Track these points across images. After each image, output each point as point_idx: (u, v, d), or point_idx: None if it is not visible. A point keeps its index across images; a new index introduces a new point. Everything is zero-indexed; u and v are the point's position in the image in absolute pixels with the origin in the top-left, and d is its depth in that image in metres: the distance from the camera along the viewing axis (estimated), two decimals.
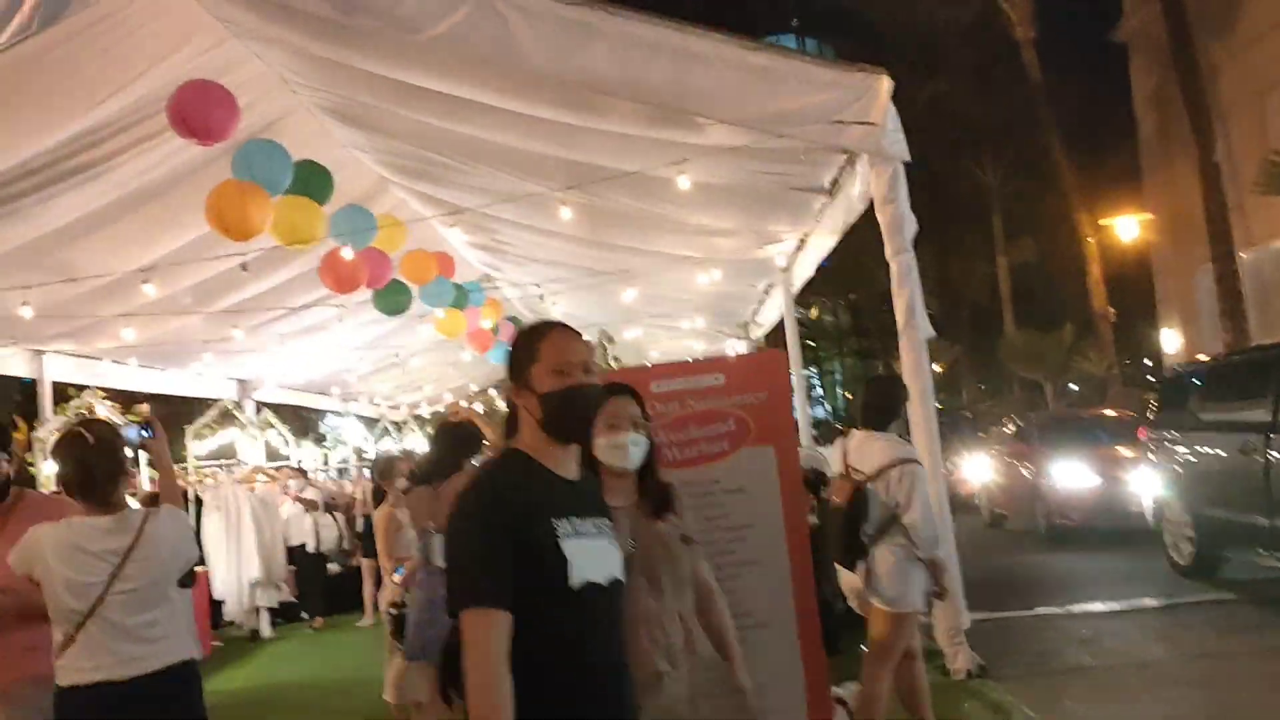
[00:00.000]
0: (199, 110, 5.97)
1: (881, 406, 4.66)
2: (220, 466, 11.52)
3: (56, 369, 10.69)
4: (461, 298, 11.78)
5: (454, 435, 5.07)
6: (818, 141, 6.09)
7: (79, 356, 10.93)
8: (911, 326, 5.89)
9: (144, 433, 3.59)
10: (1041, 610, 7.80)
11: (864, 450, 4.50)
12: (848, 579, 4.70)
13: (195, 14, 6.16)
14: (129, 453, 3.50)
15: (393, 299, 10.62)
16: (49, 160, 6.73)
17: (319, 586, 10.78)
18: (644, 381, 3.31)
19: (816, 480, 7.50)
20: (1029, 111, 25.15)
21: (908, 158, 6.02)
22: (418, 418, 23.98)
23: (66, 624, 3.06)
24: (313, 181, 7.43)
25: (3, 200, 6.92)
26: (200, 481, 10.60)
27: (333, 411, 18.30)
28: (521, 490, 2.05)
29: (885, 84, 5.79)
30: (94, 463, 3.14)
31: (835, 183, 7.66)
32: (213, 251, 8.16)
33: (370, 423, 18.57)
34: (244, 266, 7.42)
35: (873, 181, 6.10)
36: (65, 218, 7.46)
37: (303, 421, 19.56)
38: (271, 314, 11.06)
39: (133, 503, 3.63)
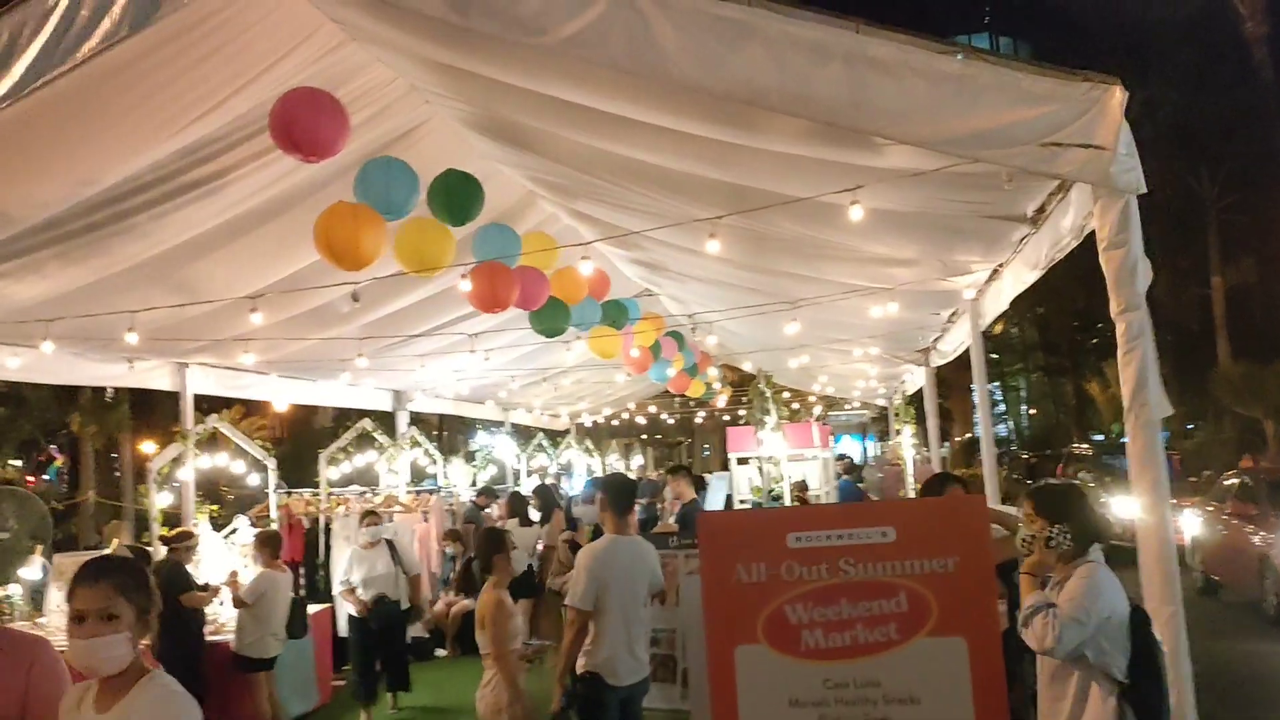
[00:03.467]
0: (304, 122, 5.31)
1: (1081, 531, 3.55)
2: (357, 492, 11.09)
3: (199, 382, 10.46)
4: (617, 317, 11.03)
5: None
6: (1026, 167, 4.90)
7: (222, 368, 10.68)
8: (1142, 403, 4.63)
9: None
10: None
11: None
12: None
13: (308, 14, 5.52)
14: None
15: (550, 320, 9.94)
16: (159, 176, 6.26)
17: (455, 619, 10.19)
18: (778, 532, 2.35)
19: (1006, 566, 6.29)
20: (1255, 115, 22.59)
21: (1143, 189, 4.77)
22: (580, 428, 23.45)
23: None
24: (458, 192, 6.73)
25: (118, 216, 6.50)
26: (332, 508, 10.16)
27: (488, 421, 17.94)
28: None
29: (1117, 97, 4.57)
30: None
31: (1041, 210, 6.43)
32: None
33: (526, 435, 18.05)
34: (355, 297, 6.76)
35: (1097, 218, 4.87)
36: (182, 235, 7.02)
37: (453, 438, 19.36)
38: (401, 336, 10.56)
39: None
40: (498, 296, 7.14)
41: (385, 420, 15.26)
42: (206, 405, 27.05)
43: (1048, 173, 4.98)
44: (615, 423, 25.28)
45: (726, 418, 24.03)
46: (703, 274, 10.69)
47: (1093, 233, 5.26)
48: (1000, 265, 8.19)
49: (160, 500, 8.55)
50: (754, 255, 8.86)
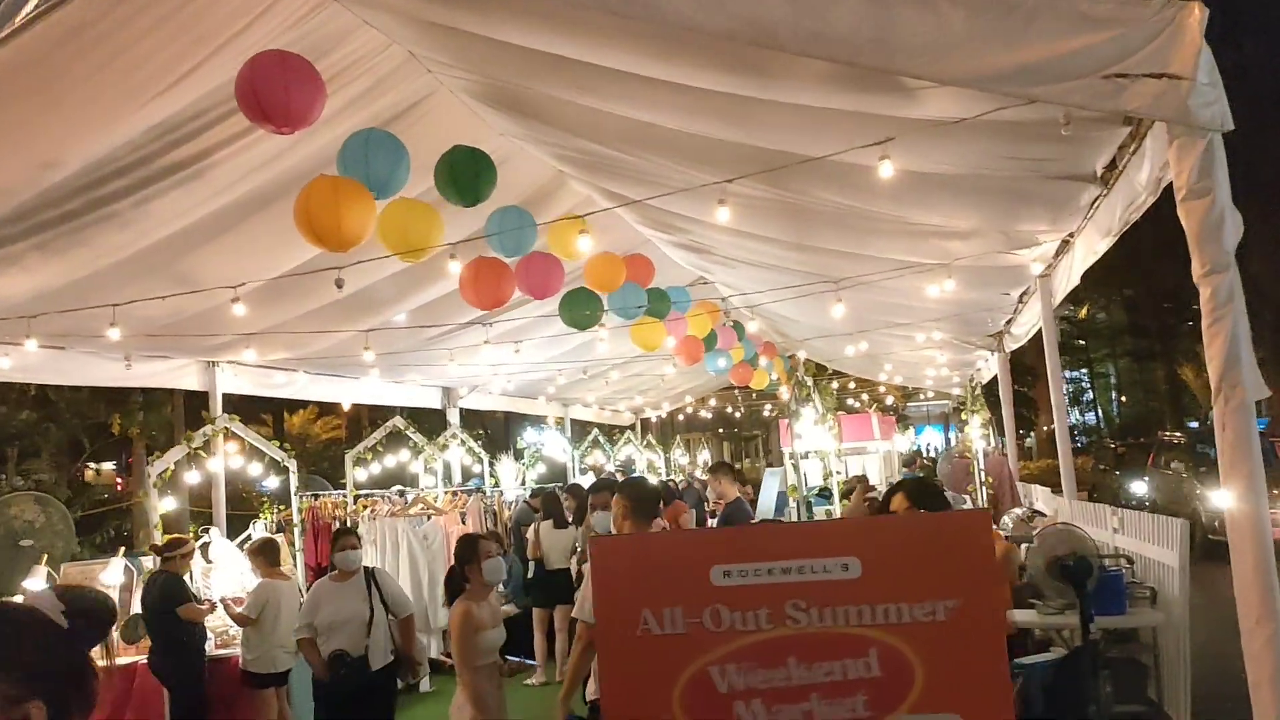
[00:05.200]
0: (273, 89, 4.78)
1: None
2: (397, 492, 10.61)
3: (229, 381, 10.10)
4: (660, 305, 10.41)
5: None
6: (1086, 105, 4.15)
7: (252, 367, 10.30)
8: (1233, 383, 3.85)
9: None
10: None
11: None
12: None
13: None
14: None
15: (579, 310, 9.37)
16: (136, 158, 5.80)
17: None
18: (699, 563, 1.71)
19: (1079, 572, 5.53)
20: None
21: (1229, 125, 3.98)
22: (646, 423, 22.77)
23: None
24: (464, 169, 6.18)
25: (96, 204, 6.07)
26: (358, 512, 9.69)
27: (536, 416, 17.43)
28: None
29: (1196, 15, 3.80)
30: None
31: (1112, 166, 5.64)
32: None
33: (581, 430, 17.49)
34: (339, 283, 6.24)
35: (1174, 163, 4.09)
36: (171, 223, 6.59)
37: (506, 434, 18.88)
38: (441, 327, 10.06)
39: None
40: (489, 289, 6.58)
41: (436, 419, 14.87)
42: (276, 406, 27.12)
43: (1113, 110, 4.21)
44: (681, 417, 24.62)
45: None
46: (749, 257, 10.00)
47: (1170, 186, 4.50)
48: (1070, 235, 7.37)
49: (165, 505, 8.14)
50: (798, 233, 8.16)
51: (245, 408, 21.32)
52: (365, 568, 6.96)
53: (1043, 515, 9.45)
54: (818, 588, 1.72)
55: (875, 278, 8.13)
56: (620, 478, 17.57)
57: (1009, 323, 11.70)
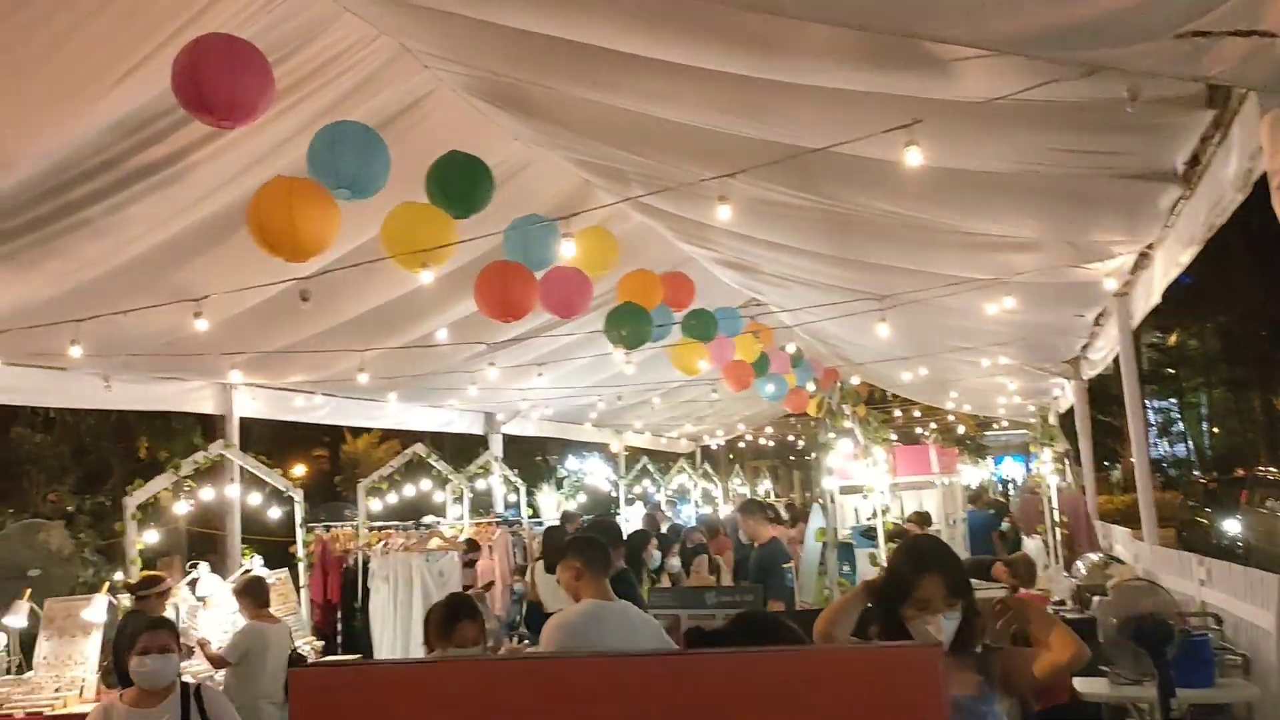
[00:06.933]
0: (218, 76, 4.23)
1: None
2: (430, 523, 10.03)
3: (247, 405, 9.66)
4: (703, 326, 9.71)
5: None
6: (1156, 71, 3.39)
7: (272, 389, 9.85)
8: None
9: None
10: None
11: None
12: None
13: None
14: None
15: (627, 327, 8.71)
16: (101, 160, 5.33)
17: None
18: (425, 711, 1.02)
19: (1157, 637, 4.69)
20: None
21: None
22: (705, 450, 21.92)
23: None
24: (454, 177, 5.60)
25: (64, 210, 5.61)
26: (369, 545, 9.11)
27: (589, 444, 16.81)
28: None
29: None
30: None
31: (1194, 162, 4.83)
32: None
33: (632, 457, 16.79)
34: (304, 296, 5.68)
35: (1266, 142, 3.31)
36: (152, 232, 6.11)
37: (544, 462, 18.29)
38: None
39: None
40: (505, 295, 5.97)
41: (476, 445, 14.35)
42: (334, 430, 26.85)
43: (1190, 76, 3.45)
44: (742, 445, 23.80)
45: None
46: (797, 274, 9.28)
47: (1264, 178, 3.70)
48: (1149, 247, 6.52)
49: (147, 538, 7.63)
50: (842, 246, 7.44)
51: (289, 432, 21.12)
52: (185, 684, 4.37)
53: (1120, 562, 8.52)
54: None
55: (927, 294, 7.34)
56: (666, 509, 16.87)
57: (1085, 347, 10.77)
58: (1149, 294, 7.21)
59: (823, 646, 2.62)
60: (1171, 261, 6.28)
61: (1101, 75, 3.52)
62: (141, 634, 4.27)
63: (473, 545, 9.55)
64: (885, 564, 6.60)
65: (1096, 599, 7.15)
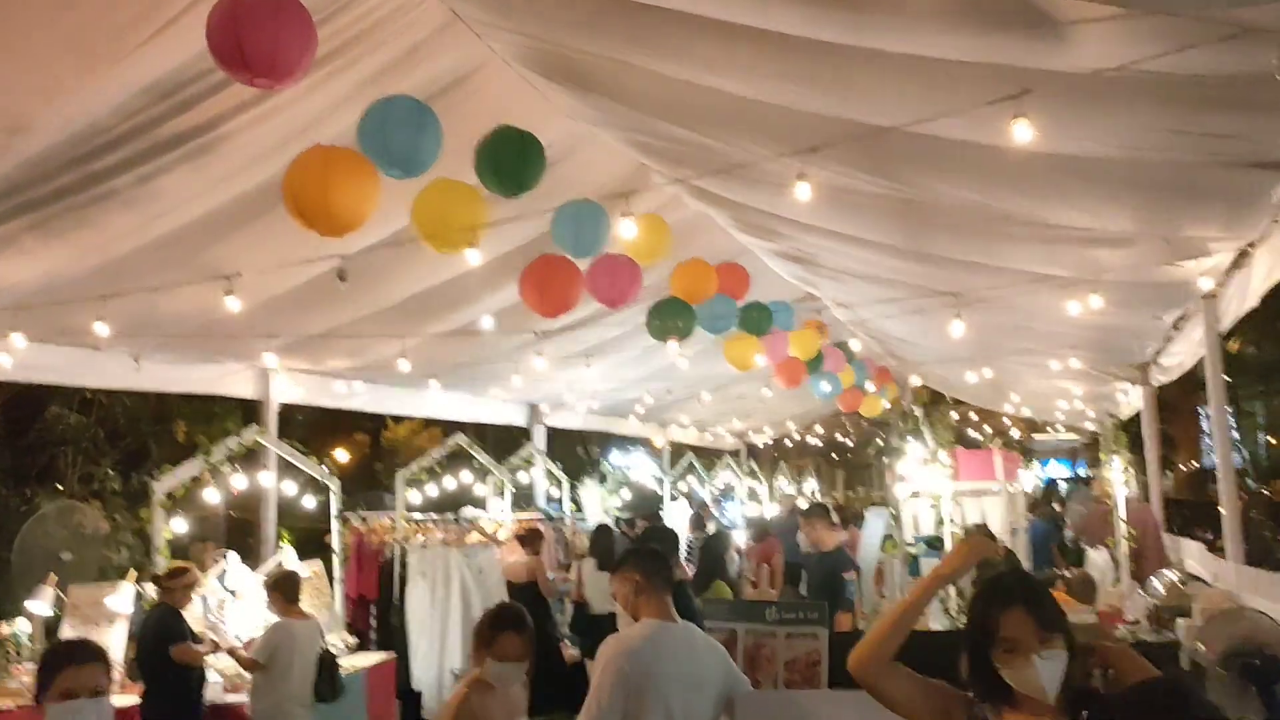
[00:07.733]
0: (256, 29, 3.88)
1: None
2: (442, 519, 9.69)
3: (284, 390, 9.39)
4: (759, 320, 9.30)
5: None
6: None
7: (309, 373, 9.58)
8: None
9: None
10: None
11: None
12: None
13: None
14: None
15: (669, 320, 8.35)
16: (129, 127, 5.03)
17: (546, 676, 8.63)
18: None
19: (1271, 675, 4.24)
20: None
21: None
22: (751, 448, 21.48)
23: None
24: (504, 152, 5.25)
25: (91, 180, 5.33)
26: (408, 537, 8.80)
27: (624, 438, 16.41)
28: None
29: None
30: None
31: None
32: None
33: (676, 453, 16.40)
34: (341, 276, 5.35)
35: None
36: (185, 205, 5.81)
37: (585, 455, 17.96)
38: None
39: None
40: (552, 291, 5.63)
41: (518, 437, 14.05)
42: (375, 417, 26.71)
43: None
44: (789, 443, 23.31)
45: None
46: (857, 267, 8.83)
47: None
48: (1250, 244, 6.02)
49: (176, 527, 7.35)
50: (911, 237, 6.99)
51: (331, 418, 20.92)
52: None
53: (1201, 581, 8.00)
54: None
55: (1004, 292, 6.88)
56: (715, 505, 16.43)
57: (1158, 353, 10.21)
58: (1243, 296, 6.69)
59: None
60: (1277, 261, 5.78)
61: (1244, 39, 3.07)
62: (62, 669, 2.98)
63: (534, 534, 9.18)
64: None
65: (1181, 621, 6.68)
